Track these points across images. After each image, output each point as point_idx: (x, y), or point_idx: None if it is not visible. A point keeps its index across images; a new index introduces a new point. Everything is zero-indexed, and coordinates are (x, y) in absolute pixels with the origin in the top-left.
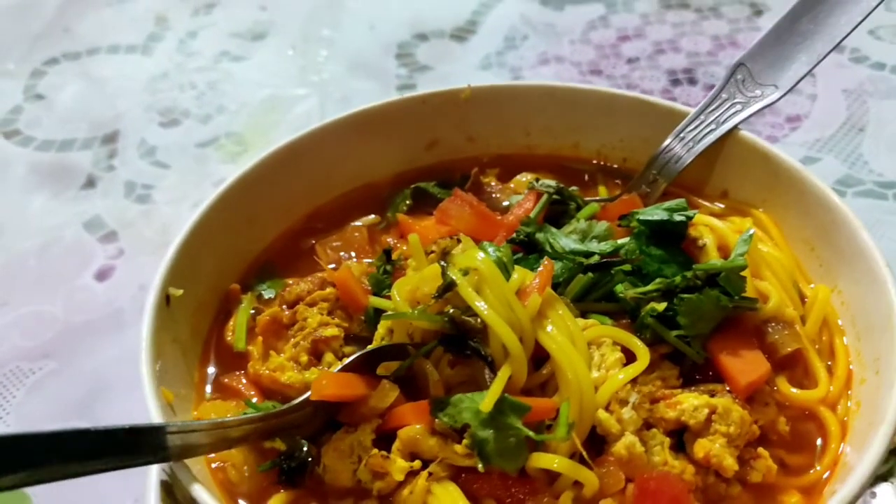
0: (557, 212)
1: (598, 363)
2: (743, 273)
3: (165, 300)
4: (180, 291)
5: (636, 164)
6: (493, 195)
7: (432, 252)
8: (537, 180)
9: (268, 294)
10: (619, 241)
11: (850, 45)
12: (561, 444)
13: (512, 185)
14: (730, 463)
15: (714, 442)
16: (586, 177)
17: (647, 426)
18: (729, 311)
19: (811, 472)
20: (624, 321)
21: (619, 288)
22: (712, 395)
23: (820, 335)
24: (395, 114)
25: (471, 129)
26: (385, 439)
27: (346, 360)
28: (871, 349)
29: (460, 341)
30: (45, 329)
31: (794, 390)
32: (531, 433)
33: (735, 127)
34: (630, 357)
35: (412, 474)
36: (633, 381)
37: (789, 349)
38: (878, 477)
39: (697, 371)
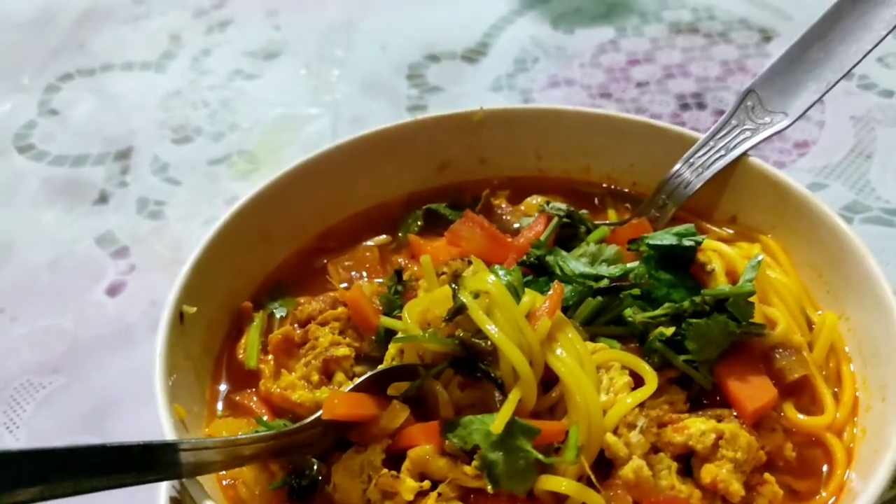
0: (567, 235)
1: (606, 387)
2: (751, 299)
3: (179, 317)
4: (194, 309)
5: (646, 188)
6: (504, 217)
7: (443, 273)
8: (548, 203)
9: (280, 313)
10: (629, 265)
11: (858, 73)
12: (569, 467)
13: (522, 208)
14: (736, 488)
15: (721, 467)
16: (596, 200)
17: (654, 450)
18: (737, 337)
19: (817, 497)
20: (632, 345)
21: (628, 312)
22: (719, 421)
23: (827, 362)
24: (408, 135)
25: (483, 151)
26: (395, 459)
27: (357, 380)
28: (878, 376)
29: (470, 364)
30: (55, 344)
31: (800, 416)
32: (541, 456)
33: (744, 153)
34: (638, 381)
35: (421, 495)
36: (641, 405)
37: (796, 375)
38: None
39: (705, 396)
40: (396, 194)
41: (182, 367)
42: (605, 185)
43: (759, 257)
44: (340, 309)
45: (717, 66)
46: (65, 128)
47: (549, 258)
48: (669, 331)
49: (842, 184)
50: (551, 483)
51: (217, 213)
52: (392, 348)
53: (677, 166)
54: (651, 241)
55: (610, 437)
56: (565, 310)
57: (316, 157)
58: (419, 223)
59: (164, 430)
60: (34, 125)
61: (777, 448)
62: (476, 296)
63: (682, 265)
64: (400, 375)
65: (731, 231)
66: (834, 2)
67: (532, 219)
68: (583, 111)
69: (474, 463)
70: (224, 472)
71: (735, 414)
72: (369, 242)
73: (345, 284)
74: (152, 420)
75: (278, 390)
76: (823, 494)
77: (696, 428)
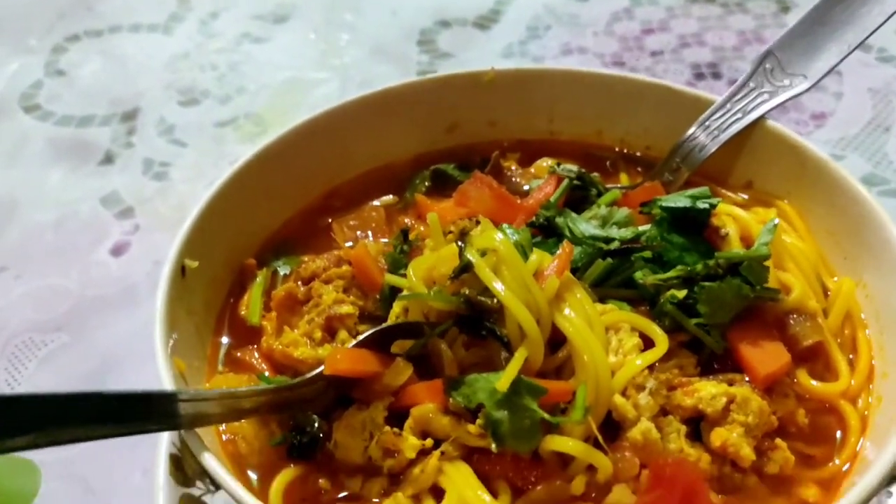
0: (578, 198)
1: (615, 348)
2: (766, 263)
3: (181, 271)
4: (196, 263)
5: (659, 152)
6: (514, 180)
7: (450, 233)
8: (559, 164)
9: (283, 270)
10: (640, 228)
11: (877, 45)
12: (575, 428)
13: (533, 170)
14: (747, 452)
15: (731, 431)
16: (608, 164)
17: (663, 413)
18: (750, 301)
19: (830, 465)
20: (642, 308)
21: (639, 275)
22: (731, 385)
23: (842, 329)
24: (416, 94)
25: (493, 112)
26: (397, 418)
27: (361, 336)
28: (895, 344)
29: (476, 322)
30: (58, 302)
31: (814, 383)
32: (546, 415)
33: (762, 117)
34: (648, 345)
35: (423, 453)
36: (651, 368)
37: (811, 341)
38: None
39: (716, 361)
40: (404, 155)
41: (183, 321)
42: (617, 149)
43: (775, 220)
44: (345, 267)
45: (733, 35)
46: (71, 88)
47: (559, 220)
48: (681, 293)
49: (859, 156)
50: (557, 443)
51: (223, 176)
52: (396, 306)
53: (692, 129)
54: (664, 204)
55: (618, 399)
56: (574, 271)
57: (321, 116)
58: (426, 184)
59: (162, 380)
60: (40, 85)
61: (789, 414)
62: (483, 254)
63: (695, 229)
64: (404, 333)
65: (745, 196)
66: None
67: (542, 181)
68: (597, 72)
69: (478, 421)
70: (224, 428)
71: (747, 379)
72: (375, 202)
73: (350, 243)
74: (154, 380)
75: (280, 347)
76: (837, 462)
77: (707, 391)
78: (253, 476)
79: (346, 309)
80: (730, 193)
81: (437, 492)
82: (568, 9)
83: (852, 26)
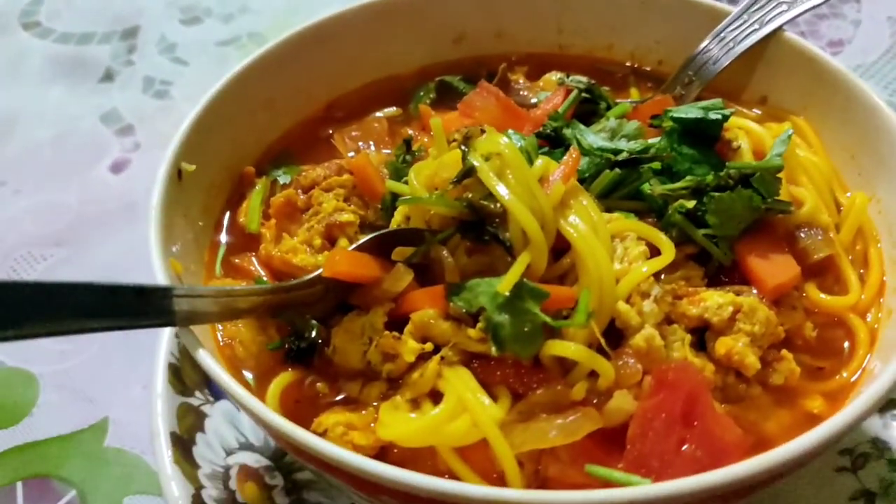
0: (587, 111)
1: (620, 256)
2: (779, 175)
3: (178, 174)
4: (193, 167)
5: (671, 68)
6: (521, 93)
7: (454, 140)
8: (567, 76)
9: (283, 179)
10: (650, 141)
11: None
12: (578, 333)
13: (541, 84)
14: (752, 361)
15: (737, 340)
16: (619, 77)
17: (667, 322)
18: (761, 213)
19: (836, 377)
20: (650, 220)
21: (647, 186)
22: (738, 295)
23: (854, 243)
24: (422, 3)
25: (500, 22)
26: (397, 324)
27: (361, 240)
28: None
29: (478, 228)
30: (57, 218)
31: (823, 296)
32: (548, 319)
33: (779, 28)
34: (655, 255)
35: (423, 358)
36: (657, 277)
37: (821, 255)
38: None
39: (724, 274)
40: (409, 66)
41: (180, 226)
42: (628, 64)
43: (789, 131)
44: (346, 176)
45: None
46: (71, 5)
47: (567, 131)
48: (690, 203)
49: (875, 83)
50: (558, 348)
51: (221, 81)
52: (398, 213)
53: (706, 41)
54: (675, 115)
55: (622, 306)
56: (581, 182)
57: (321, 22)
58: (431, 96)
59: (156, 274)
60: (40, 2)
61: (797, 327)
62: (487, 159)
63: (707, 141)
64: (405, 239)
65: (759, 112)
66: None
67: (550, 94)
68: None
69: (479, 325)
70: (221, 331)
71: (755, 291)
72: (378, 114)
73: (351, 154)
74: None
75: (279, 254)
76: (844, 374)
77: (713, 300)
78: (249, 377)
79: (347, 217)
80: (744, 109)
81: (437, 396)
82: None
83: None
